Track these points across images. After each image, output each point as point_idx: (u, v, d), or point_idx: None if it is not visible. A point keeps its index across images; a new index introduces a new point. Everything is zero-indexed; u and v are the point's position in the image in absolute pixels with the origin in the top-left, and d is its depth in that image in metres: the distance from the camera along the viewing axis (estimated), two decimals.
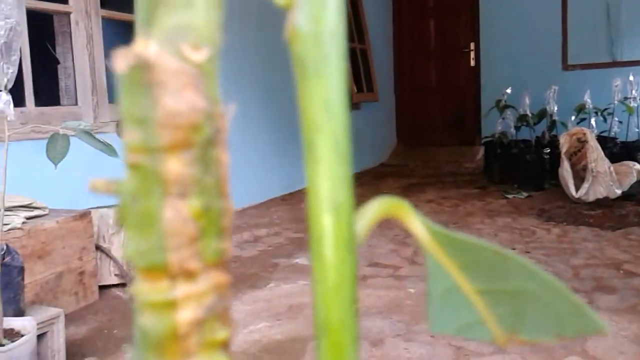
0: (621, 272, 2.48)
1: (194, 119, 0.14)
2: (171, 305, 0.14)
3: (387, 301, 2.28)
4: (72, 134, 1.44)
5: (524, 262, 0.19)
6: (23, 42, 2.72)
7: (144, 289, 0.14)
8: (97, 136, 1.48)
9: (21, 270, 1.77)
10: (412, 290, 2.39)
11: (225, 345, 0.15)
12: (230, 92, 4.08)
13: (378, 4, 6.38)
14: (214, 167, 0.15)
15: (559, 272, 2.49)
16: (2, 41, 1.40)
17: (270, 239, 3.36)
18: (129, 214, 0.14)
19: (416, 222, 0.20)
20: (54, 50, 3.33)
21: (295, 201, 4.41)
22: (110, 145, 1.40)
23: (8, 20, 1.40)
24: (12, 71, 1.45)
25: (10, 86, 1.45)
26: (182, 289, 0.14)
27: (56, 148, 1.35)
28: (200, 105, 0.15)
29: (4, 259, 1.72)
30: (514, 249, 2.92)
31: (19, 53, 1.46)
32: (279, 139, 4.60)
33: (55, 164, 1.37)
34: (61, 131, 1.44)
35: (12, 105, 1.46)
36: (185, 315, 0.14)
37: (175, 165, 0.14)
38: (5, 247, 1.77)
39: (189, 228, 0.14)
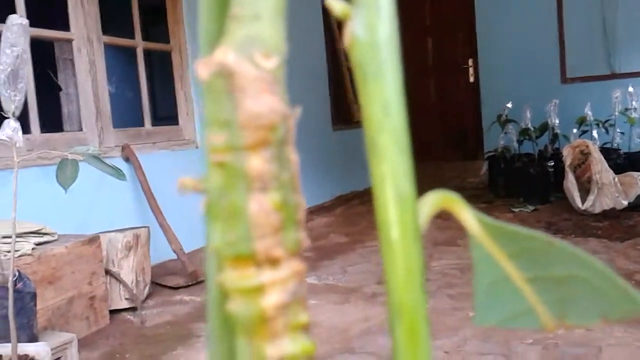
0: (633, 282, 2.47)
1: (273, 119, 0.16)
2: (259, 290, 0.15)
3: None
4: (81, 159, 1.45)
5: (571, 249, 0.20)
6: (28, 69, 2.76)
7: (233, 277, 0.16)
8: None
9: (33, 296, 1.77)
10: None
11: (306, 328, 0.16)
12: None
13: None
14: (287, 164, 0.16)
15: None
16: (9, 69, 1.43)
17: None
18: (216, 209, 0.16)
19: (468, 215, 0.21)
20: (56, 77, 3.38)
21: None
22: (119, 169, 1.42)
23: (14, 49, 1.43)
24: (20, 98, 1.47)
25: (18, 113, 1.47)
26: (269, 275, 0.16)
27: (66, 173, 1.37)
28: (278, 107, 0.16)
29: (16, 285, 1.73)
30: None
31: (25, 80, 1.48)
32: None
33: (66, 189, 1.38)
34: (70, 156, 1.45)
35: (20, 132, 1.48)
36: (272, 299, 0.15)
37: (257, 162, 0.16)
38: (17, 273, 1.78)
39: (272, 219, 0.16)
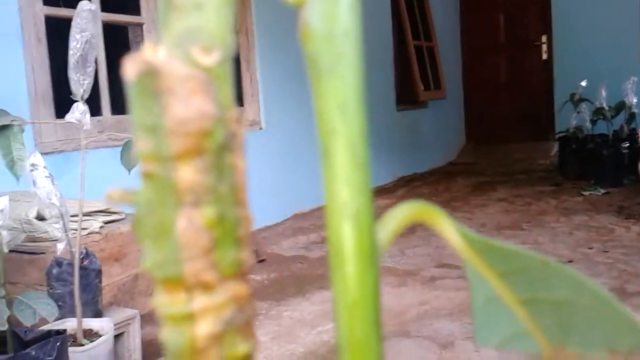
0: None
1: (204, 125, 0.14)
2: (189, 318, 0.14)
3: (457, 303, 2.24)
4: None
5: (568, 270, 0.17)
6: (99, 53, 2.85)
7: (163, 302, 0.14)
8: None
9: (99, 273, 1.84)
10: None
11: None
12: (292, 94, 4.11)
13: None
14: (229, 173, 0.15)
15: None
16: (79, 54, 1.47)
17: None
18: (145, 225, 0.14)
19: (450, 229, 0.19)
20: None
21: None
22: None
23: (83, 34, 1.46)
24: (88, 82, 1.51)
25: (86, 96, 1.52)
26: (199, 301, 0.14)
27: (130, 155, 1.40)
28: (210, 111, 0.14)
29: (82, 262, 1.80)
30: (590, 248, 2.80)
31: (94, 65, 1.52)
32: None
33: (129, 170, 1.42)
34: None
35: (88, 114, 1.53)
36: (204, 328, 0.14)
37: (187, 173, 0.14)
38: (84, 250, 1.85)
39: (203, 238, 0.14)
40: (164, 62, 0.14)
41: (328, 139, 0.16)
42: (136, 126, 0.14)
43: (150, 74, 0.14)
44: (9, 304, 1.30)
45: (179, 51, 0.14)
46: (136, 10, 3.21)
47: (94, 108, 2.44)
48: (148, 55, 0.14)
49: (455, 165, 6.11)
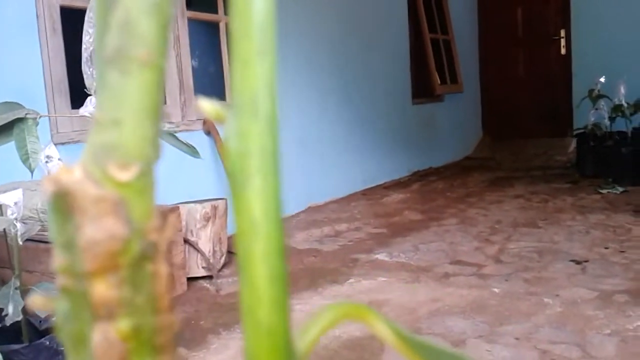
0: None
1: (114, 245, 0.15)
2: None
3: (470, 300, 2.23)
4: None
5: None
6: None
7: None
8: (184, 135, 1.54)
9: None
10: (496, 290, 2.32)
11: None
12: (308, 87, 4.11)
13: None
14: (148, 283, 0.15)
15: None
16: (91, 48, 1.48)
17: (350, 234, 3.37)
18: (64, 333, 0.15)
19: (383, 327, 0.19)
20: None
21: (376, 196, 4.39)
22: (193, 146, 1.44)
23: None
24: None
25: None
26: None
27: None
28: (120, 231, 0.15)
29: None
30: (607, 247, 2.77)
31: None
32: (357, 133, 4.59)
33: None
34: None
35: None
36: None
37: (101, 289, 0.15)
38: None
39: (116, 351, 0.15)
40: (78, 183, 0.15)
41: (246, 254, 0.17)
42: (54, 241, 0.15)
43: (64, 194, 0.15)
44: (24, 294, 1.32)
45: (96, 167, 0.15)
46: None
47: None
48: (63, 175, 0.15)
49: (472, 159, 6.08)
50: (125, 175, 0.15)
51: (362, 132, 4.61)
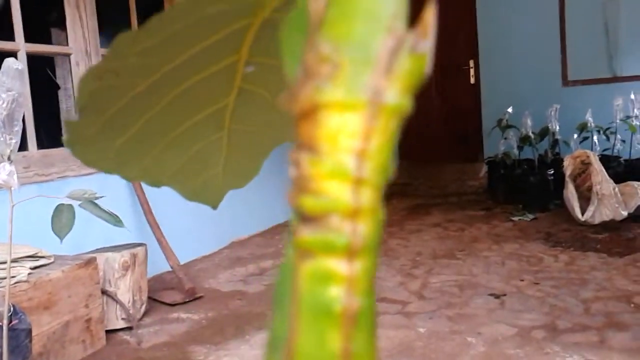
0: (632, 305, 2.46)
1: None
2: None
3: (397, 343, 2.26)
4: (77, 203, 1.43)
5: None
6: (24, 85, 2.72)
7: None
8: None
9: (29, 332, 1.75)
10: (422, 330, 2.37)
11: None
12: None
13: None
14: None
15: (569, 308, 2.46)
16: (5, 113, 1.40)
17: (276, 272, 3.34)
18: None
19: None
20: (54, 75, 3.34)
21: None
22: (116, 215, 1.39)
23: (9, 93, 1.40)
24: (15, 141, 1.44)
25: (13, 157, 1.45)
26: None
27: (62, 221, 1.34)
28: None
29: (11, 321, 1.71)
30: (522, 280, 2.90)
31: (21, 123, 1.45)
32: (279, 162, 4.58)
33: (61, 238, 1.36)
34: (65, 201, 1.43)
35: (15, 175, 1.45)
36: None
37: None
38: (12, 308, 1.76)
39: None
40: None
41: None
42: None
43: None
44: None
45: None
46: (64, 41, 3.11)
47: (20, 143, 2.32)
48: None
49: (392, 185, 6.20)
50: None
51: (282, 162, 4.61)
